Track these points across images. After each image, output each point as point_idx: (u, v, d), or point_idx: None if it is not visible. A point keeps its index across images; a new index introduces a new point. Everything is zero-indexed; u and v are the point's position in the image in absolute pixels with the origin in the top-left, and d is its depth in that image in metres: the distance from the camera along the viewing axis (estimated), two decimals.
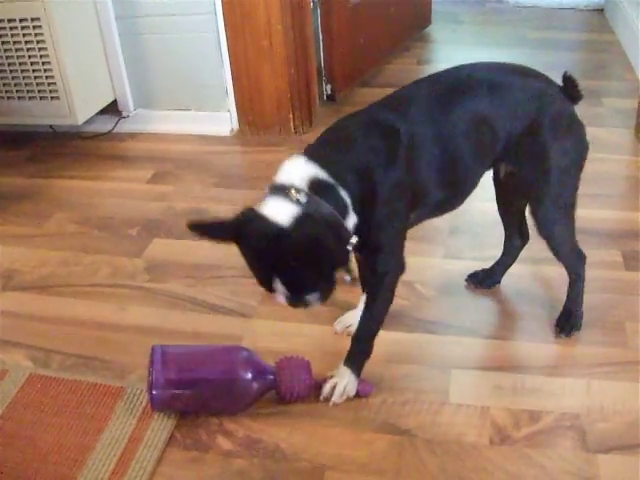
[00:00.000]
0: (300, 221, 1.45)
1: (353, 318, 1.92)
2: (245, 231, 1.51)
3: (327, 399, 1.73)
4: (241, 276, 2.20)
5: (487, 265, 2.13)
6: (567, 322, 1.95)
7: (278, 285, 1.51)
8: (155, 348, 1.71)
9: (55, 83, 2.85)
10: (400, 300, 1.85)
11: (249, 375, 1.68)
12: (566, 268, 1.93)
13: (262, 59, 2.97)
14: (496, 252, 2.12)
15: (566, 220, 1.84)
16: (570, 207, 1.83)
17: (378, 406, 1.73)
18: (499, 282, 2.13)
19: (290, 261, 1.46)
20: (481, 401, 1.74)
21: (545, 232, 1.82)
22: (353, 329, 1.83)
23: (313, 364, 1.78)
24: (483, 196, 1.91)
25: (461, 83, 1.72)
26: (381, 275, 1.70)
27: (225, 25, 2.95)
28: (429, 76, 1.78)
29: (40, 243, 2.47)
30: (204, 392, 1.69)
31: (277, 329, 2.00)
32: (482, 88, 1.70)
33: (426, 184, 1.68)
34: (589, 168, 2.72)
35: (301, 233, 1.45)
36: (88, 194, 2.77)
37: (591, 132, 3.05)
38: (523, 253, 2.13)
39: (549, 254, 2.12)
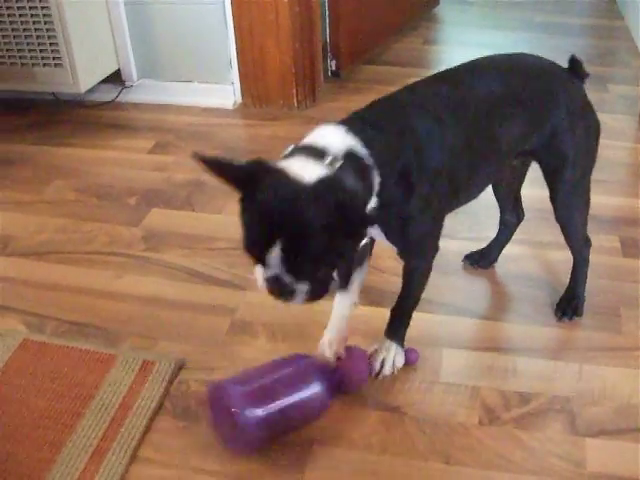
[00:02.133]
0: (326, 183, 1.30)
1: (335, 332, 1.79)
2: (259, 179, 1.31)
3: (377, 374, 1.74)
4: (237, 248, 2.19)
5: (482, 245, 2.13)
6: (569, 306, 1.96)
7: (274, 254, 1.29)
8: (224, 385, 1.56)
9: (59, 50, 2.83)
10: (395, 278, 1.84)
11: (324, 386, 1.58)
12: (573, 252, 1.94)
13: (267, 33, 2.95)
14: (492, 233, 2.13)
15: (583, 206, 1.87)
16: (587, 192, 1.84)
17: (369, 383, 1.73)
18: (495, 261, 2.14)
19: (301, 225, 1.28)
20: (472, 381, 1.75)
21: (564, 218, 1.85)
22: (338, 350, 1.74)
23: (309, 337, 1.81)
24: None
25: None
26: (418, 262, 1.68)
27: None
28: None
29: (39, 210, 2.47)
30: (292, 418, 1.58)
31: (271, 302, 1.99)
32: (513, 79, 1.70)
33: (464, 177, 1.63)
34: None
35: (323, 195, 1.28)
36: (89, 162, 2.77)
37: None
38: (520, 236, 2.14)
39: (546, 237, 2.13)
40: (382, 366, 1.74)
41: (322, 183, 1.29)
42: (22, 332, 1.91)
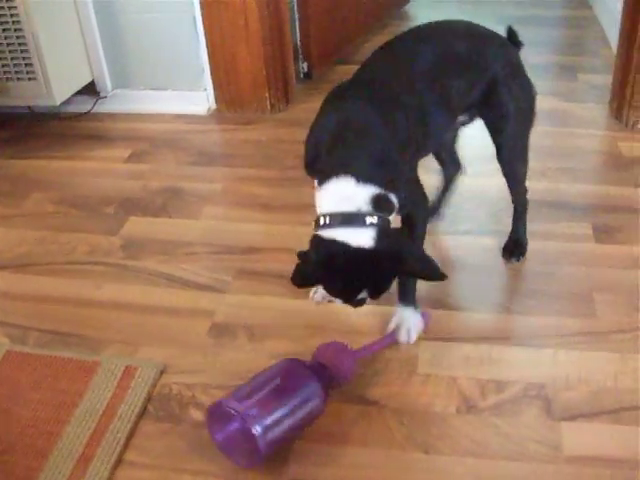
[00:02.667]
0: (380, 240, 1.53)
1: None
2: (335, 264, 1.55)
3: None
4: (215, 252, 2.24)
5: (459, 241, 2.18)
6: (515, 248, 2.16)
7: (360, 297, 1.60)
8: (227, 404, 1.54)
9: (32, 64, 2.85)
10: None
11: (319, 385, 1.61)
12: (516, 201, 2.14)
13: (238, 38, 2.98)
14: (469, 225, 2.16)
15: (524, 161, 2.05)
16: (527, 149, 2.04)
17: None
18: (440, 213, 2.30)
19: (378, 279, 1.59)
20: (449, 371, 1.78)
21: (509, 172, 2.03)
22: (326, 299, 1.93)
23: (289, 337, 1.85)
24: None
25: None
26: (419, 220, 1.80)
27: (201, 4, 2.95)
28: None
29: (18, 223, 2.48)
30: (296, 424, 1.58)
31: (251, 303, 2.03)
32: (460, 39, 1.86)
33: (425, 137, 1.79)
34: (563, 143, 2.78)
35: (384, 251, 1.54)
36: (66, 174, 2.78)
37: (566, 107, 3.12)
38: (491, 227, 2.18)
39: None
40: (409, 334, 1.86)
41: (378, 242, 1.53)
42: (4, 344, 1.93)
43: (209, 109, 3.20)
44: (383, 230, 1.55)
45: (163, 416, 1.70)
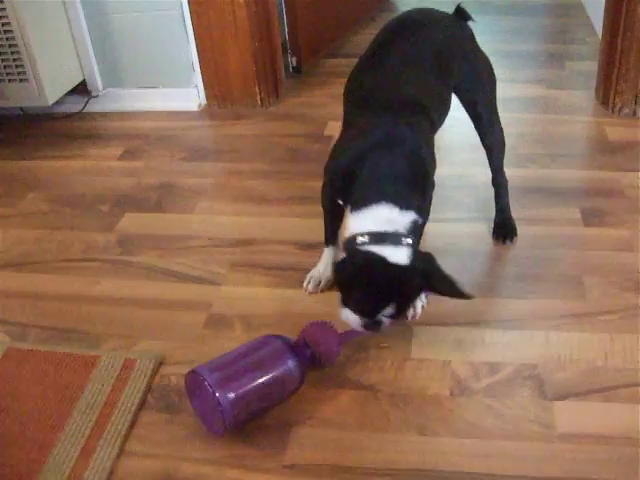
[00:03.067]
0: (414, 259, 1.63)
1: (321, 275, 2.04)
2: (371, 274, 1.63)
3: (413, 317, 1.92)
4: (210, 246, 2.26)
5: (449, 228, 2.23)
6: (506, 229, 2.21)
7: (386, 312, 1.66)
8: (200, 371, 1.61)
9: (23, 65, 2.87)
10: None
11: (295, 362, 1.65)
12: (497, 177, 2.21)
13: (226, 34, 3.00)
14: (458, 213, 2.19)
15: (500, 124, 2.14)
16: (498, 116, 2.14)
17: (342, 363, 1.79)
18: None
19: (406, 294, 1.68)
20: (442, 355, 1.81)
21: (490, 138, 2.13)
22: (324, 285, 2.01)
23: (284, 326, 1.86)
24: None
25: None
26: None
27: (188, 1, 2.98)
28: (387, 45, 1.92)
29: (14, 223, 2.51)
30: (266, 396, 1.64)
31: (246, 294, 2.06)
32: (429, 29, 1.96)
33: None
34: (551, 129, 2.82)
35: (417, 269, 1.64)
36: (60, 173, 2.81)
37: (553, 94, 3.16)
38: (478, 214, 2.26)
39: None
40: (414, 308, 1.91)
41: (412, 261, 1.62)
42: (5, 342, 1.96)
43: (200, 105, 3.22)
44: (416, 250, 1.65)
45: (163, 406, 1.72)
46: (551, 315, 1.92)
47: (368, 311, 1.67)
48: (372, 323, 1.68)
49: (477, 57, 2.06)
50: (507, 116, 2.91)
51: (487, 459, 1.55)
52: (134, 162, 2.83)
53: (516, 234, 2.20)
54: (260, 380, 1.61)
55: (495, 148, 2.15)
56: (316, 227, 2.16)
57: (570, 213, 2.30)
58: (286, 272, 2.13)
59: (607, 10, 2.90)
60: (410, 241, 1.64)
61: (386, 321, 1.67)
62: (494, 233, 2.21)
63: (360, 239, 1.64)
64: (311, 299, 2.01)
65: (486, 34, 3.86)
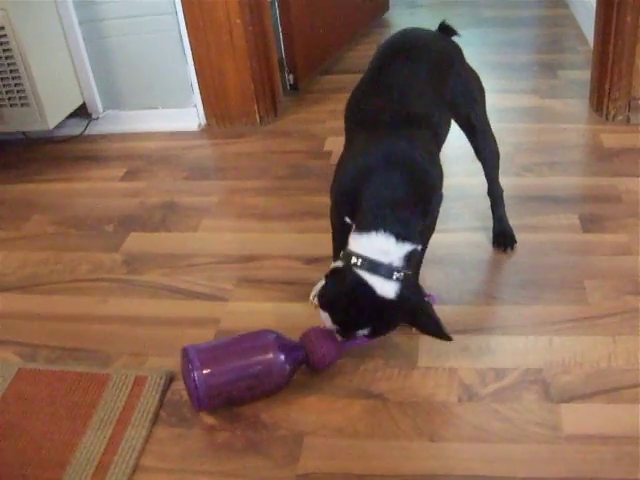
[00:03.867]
0: (401, 295, 1.65)
1: None
2: (355, 300, 1.67)
3: None
4: (215, 262, 2.29)
5: (449, 239, 2.27)
6: (505, 237, 2.25)
7: (360, 333, 1.72)
8: (188, 349, 1.72)
9: (24, 90, 2.90)
10: None
11: (282, 357, 1.73)
12: (494, 187, 2.24)
13: (224, 54, 3.04)
14: (457, 224, 2.24)
15: (492, 136, 2.16)
16: (489, 124, 2.16)
17: (351, 374, 1.82)
18: None
19: (387, 323, 1.72)
20: (449, 363, 1.84)
21: (485, 149, 2.15)
22: None
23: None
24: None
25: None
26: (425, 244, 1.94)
27: (186, 23, 3.01)
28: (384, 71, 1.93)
29: (20, 245, 2.53)
30: (245, 382, 1.72)
31: (253, 309, 2.08)
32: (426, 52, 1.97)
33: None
34: (546, 138, 2.85)
35: (402, 305, 1.67)
36: (64, 195, 2.84)
37: (548, 104, 3.19)
38: (477, 224, 2.33)
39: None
40: None
41: (399, 299, 1.65)
42: (17, 363, 1.98)
43: (200, 125, 3.25)
44: (405, 284, 1.66)
45: (175, 421, 1.75)
46: (554, 320, 1.94)
47: (344, 329, 1.73)
48: (343, 334, 1.75)
49: (467, 71, 2.09)
50: (503, 126, 2.96)
51: (496, 463, 1.57)
52: (136, 182, 2.86)
53: (515, 241, 2.23)
54: (240, 364, 1.72)
55: (490, 159, 2.18)
56: (319, 241, 2.21)
57: (569, 219, 2.34)
58: (291, 286, 2.15)
59: (598, 19, 2.94)
60: (402, 276, 1.66)
61: (360, 334, 1.72)
62: (494, 242, 2.25)
63: (354, 260, 1.66)
64: (316, 312, 2.02)
65: (479, 46, 3.91)
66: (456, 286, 2.11)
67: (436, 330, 1.69)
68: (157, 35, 3.10)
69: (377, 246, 1.65)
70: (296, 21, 3.38)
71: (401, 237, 1.65)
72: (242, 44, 3.01)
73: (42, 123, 2.99)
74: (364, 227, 1.67)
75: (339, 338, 1.77)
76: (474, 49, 3.83)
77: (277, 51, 3.30)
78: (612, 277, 2.07)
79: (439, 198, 1.82)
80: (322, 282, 2.04)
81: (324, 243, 2.06)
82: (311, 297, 2.08)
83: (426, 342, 1.89)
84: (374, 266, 1.65)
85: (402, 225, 1.66)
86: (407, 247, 1.66)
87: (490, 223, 2.27)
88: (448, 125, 1.99)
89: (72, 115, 3.19)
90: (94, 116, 3.29)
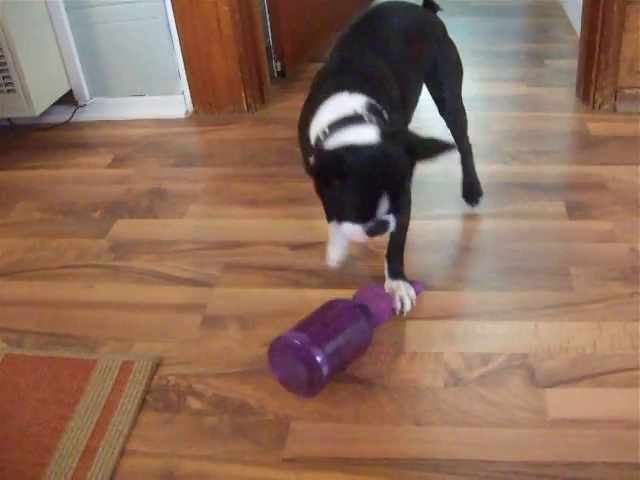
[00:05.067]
0: (385, 134, 1.58)
1: (341, 247, 2.05)
2: (350, 164, 1.54)
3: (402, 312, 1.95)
4: (202, 249, 2.29)
5: (433, 225, 2.29)
6: (473, 191, 2.35)
7: (384, 206, 1.58)
8: (286, 336, 1.69)
9: (10, 77, 2.89)
10: (351, 257, 2.02)
11: (364, 318, 1.78)
12: (463, 148, 2.28)
13: (211, 40, 3.04)
14: (441, 210, 2.26)
15: (463, 107, 2.22)
16: (462, 98, 2.21)
17: None
18: None
19: (398, 175, 1.60)
20: (435, 348, 1.84)
21: (453, 120, 2.20)
22: (345, 253, 2.05)
23: (278, 325, 1.89)
24: None
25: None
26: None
27: (173, 10, 3.01)
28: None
29: (6, 232, 2.53)
30: (349, 349, 1.75)
31: (240, 295, 2.08)
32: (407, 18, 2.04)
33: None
34: (533, 126, 2.86)
35: (393, 143, 1.58)
36: (50, 182, 2.83)
37: (535, 92, 3.21)
38: (461, 211, 2.36)
39: (490, 209, 2.25)
40: (403, 304, 1.95)
41: (386, 137, 1.57)
42: (3, 348, 1.98)
43: (187, 112, 3.25)
44: (384, 127, 1.61)
45: (162, 406, 1.75)
46: (539, 306, 1.95)
47: (365, 209, 1.59)
48: (376, 226, 1.62)
49: (448, 46, 2.14)
50: (490, 114, 2.98)
51: (481, 446, 1.58)
52: (124, 169, 2.86)
53: (481, 195, 2.35)
54: (343, 337, 1.73)
55: (456, 131, 2.22)
56: (305, 228, 2.23)
57: (555, 207, 2.35)
58: (278, 272, 2.16)
59: (585, 8, 2.95)
60: (374, 118, 1.61)
61: (388, 219, 1.62)
62: (464, 196, 2.34)
63: (322, 135, 1.62)
64: (306, 297, 2.03)
65: (467, 35, 3.92)
66: (442, 272, 2.12)
67: (440, 148, 1.61)
68: (144, 22, 3.09)
69: (335, 105, 1.66)
70: (284, 8, 3.38)
71: (355, 90, 1.67)
72: (229, 31, 3.01)
73: (28, 110, 2.98)
74: (316, 104, 1.71)
75: (368, 238, 1.66)
76: (462, 37, 3.79)
77: (265, 38, 3.29)
78: (597, 264, 2.08)
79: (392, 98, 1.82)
80: (332, 242, 2.03)
81: (310, 229, 2.07)
82: (326, 259, 2.06)
83: (412, 327, 1.91)
84: (342, 121, 1.61)
85: (354, 85, 1.68)
86: (363, 98, 1.66)
87: (473, 211, 2.29)
88: (415, 90, 2.06)
89: (59, 102, 3.19)
90: (81, 103, 3.29)
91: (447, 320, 1.93)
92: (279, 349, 1.71)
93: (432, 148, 1.61)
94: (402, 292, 1.94)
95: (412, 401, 1.70)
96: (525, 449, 1.57)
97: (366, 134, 1.57)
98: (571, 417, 1.63)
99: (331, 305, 1.81)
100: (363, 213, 1.60)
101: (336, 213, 1.64)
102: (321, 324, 1.74)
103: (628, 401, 1.66)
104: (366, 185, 1.57)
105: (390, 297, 1.91)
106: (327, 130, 1.61)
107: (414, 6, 2.09)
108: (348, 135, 1.58)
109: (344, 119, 1.61)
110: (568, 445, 1.57)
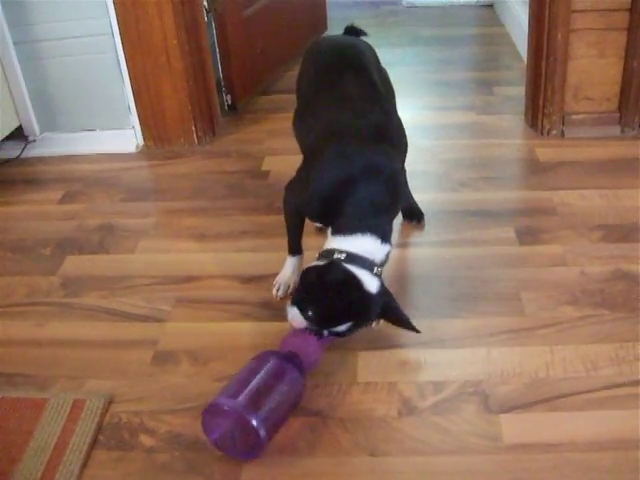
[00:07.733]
0: (381, 290, 1.79)
1: (288, 279, 2.15)
2: (344, 291, 1.74)
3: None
4: (153, 284, 2.27)
5: (405, 253, 2.30)
6: (415, 214, 2.43)
7: (343, 327, 1.77)
8: (221, 402, 1.63)
9: None
10: None
11: (296, 371, 1.73)
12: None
13: (161, 75, 3.04)
14: (418, 238, 2.30)
15: (403, 129, 2.17)
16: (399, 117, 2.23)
17: None
18: None
19: (365, 317, 1.80)
20: (388, 377, 1.84)
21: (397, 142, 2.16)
22: (292, 289, 2.12)
23: (230, 359, 1.90)
24: None
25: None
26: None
27: (123, 44, 3.00)
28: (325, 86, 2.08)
29: None
30: (284, 407, 1.69)
31: (191, 330, 2.07)
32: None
33: None
34: (483, 153, 2.89)
35: (380, 301, 1.80)
36: (0, 219, 2.80)
37: (483, 120, 3.24)
38: (419, 239, 2.31)
39: (440, 237, 2.27)
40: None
41: (379, 294, 1.78)
42: None
43: (137, 146, 3.24)
44: (382, 282, 1.80)
45: (114, 444, 1.73)
46: (491, 332, 1.97)
47: (324, 323, 1.77)
48: (316, 331, 1.78)
49: (380, 68, 2.23)
50: (440, 143, 3.00)
51: (437, 475, 1.58)
52: (74, 205, 2.83)
53: (423, 214, 2.43)
54: (278, 395, 1.67)
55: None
56: (256, 261, 2.24)
57: (504, 233, 2.37)
58: (230, 306, 2.15)
59: (530, 37, 3.00)
60: (380, 271, 1.80)
61: (338, 330, 1.77)
62: (405, 218, 2.42)
63: (337, 255, 1.77)
64: (258, 330, 2.03)
65: (417, 65, 3.95)
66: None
67: (407, 322, 1.85)
68: (94, 57, 3.08)
69: (364, 247, 1.79)
70: (233, 42, 3.38)
71: (384, 240, 1.82)
72: (179, 65, 3.01)
73: None
74: (349, 230, 1.80)
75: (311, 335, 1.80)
76: (411, 67, 3.87)
77: (215, 72, 3.30)
78: (548, 288, 2.10)
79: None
80: (284, 275, 2.11)
81: (261, 262, 2.07)
82: (274, 291, 2.14)
83: (365, 357, 1.91)
84: (360, 260, 1.76)
85: (384, 229, 1.83)
86: (387, 248, 1.83)
87: (428, 238, 2.30)
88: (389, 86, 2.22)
89: (8, 137, 3.15)
90: (31, 138, 3.25)
91: (399, 349, 1.93)
92: (213, 414, 1.66)
93: (400, 322, 1.86)
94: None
95: (366, 432, 1.70)
96: (480, 476, 1.57)
97: (371, 286, 1.76)
98: (526, 442, 1.64)
99: (262, 361, 1.73)
100: (320, 323, 1.77)
101: (298, 299, 1.80)
102: (255, 385, 1.66)
103: (582, 424, 1.67)
104: (341, 314, 1.77)
105: (314, 339, 1.82)
106: (342, 257, 1.77)
107: (352, 40, 2.26)
108: (361, 275, 1.75)
109: (362, 260, 1.78)
110: (523, 470, 1.57)
